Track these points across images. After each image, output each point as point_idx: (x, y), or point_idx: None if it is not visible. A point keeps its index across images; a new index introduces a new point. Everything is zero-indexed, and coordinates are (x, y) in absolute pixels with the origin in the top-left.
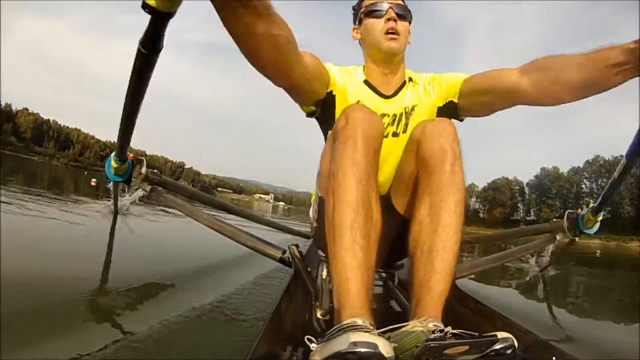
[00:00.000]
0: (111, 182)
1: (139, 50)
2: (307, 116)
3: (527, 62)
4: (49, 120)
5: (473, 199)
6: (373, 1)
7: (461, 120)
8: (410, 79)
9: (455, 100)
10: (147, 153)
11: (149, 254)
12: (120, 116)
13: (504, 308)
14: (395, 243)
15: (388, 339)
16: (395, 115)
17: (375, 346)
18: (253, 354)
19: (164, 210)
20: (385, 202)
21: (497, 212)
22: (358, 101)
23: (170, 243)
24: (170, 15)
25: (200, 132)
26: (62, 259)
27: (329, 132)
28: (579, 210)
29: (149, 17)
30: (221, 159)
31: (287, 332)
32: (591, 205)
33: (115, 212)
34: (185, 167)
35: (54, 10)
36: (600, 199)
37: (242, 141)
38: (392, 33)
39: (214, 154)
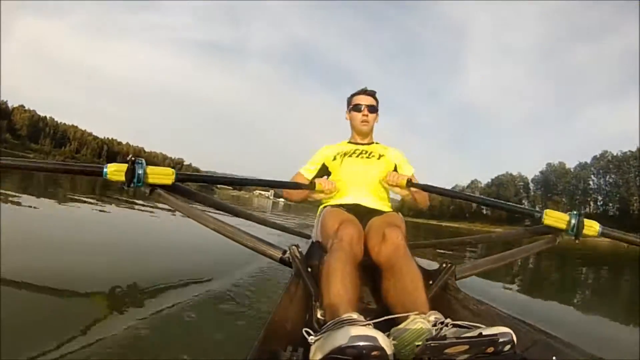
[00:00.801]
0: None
1: None
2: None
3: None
4: (45, 117)
5: (476, 195)
6: (356, 102)
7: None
8: (377, 142)
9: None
10: (146, 150)
11: (149, 254)
12: (117, 113)
13: (504, 307)
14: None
15: (388, 335)
16: (366, 151)
17: (375, 339)
18: (253, 354)
19: (163, 210)
20: (370, 205)
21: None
22: (341, 151)
23: (170, 244)
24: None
25: (201, 129)
26: (61, 258)
27: (329, 177)
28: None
29: (165, 7)
30: (222, 155)
31: (287, 332)
32: (598, 225)
33: None
34: (185, 163)
35: (54, 10)
36: (615, 233)
37: (242, 138)
38: (364, 122)
39: (215, 151)
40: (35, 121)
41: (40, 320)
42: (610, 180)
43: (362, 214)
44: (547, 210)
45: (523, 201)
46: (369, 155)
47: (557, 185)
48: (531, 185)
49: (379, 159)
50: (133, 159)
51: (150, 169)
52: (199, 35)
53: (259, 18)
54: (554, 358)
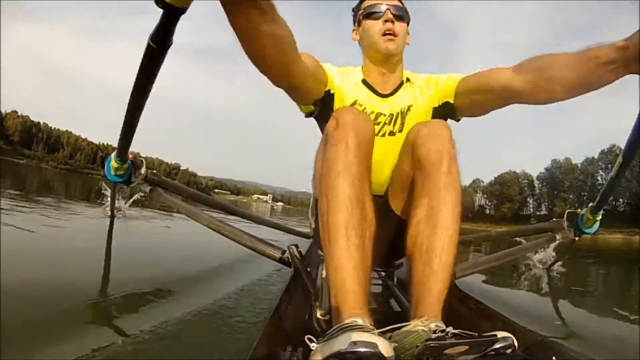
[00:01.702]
0: (110, 185)
1: (148, 45)
2: (305, 116)
3: (520, 62)
4: (38, 122)
5: (479, 195)
6: (371, 3)
7: (458, 121)
8: (408, 79)
9: (451, 101)
10: (142, 155)
11: (148, 255)
12: (115, 118)
13: (504, 308)
14: (393, 242)
15: (389, 338)
16: (392, 114)
17: (375, 345)
18: (253, 354)
19: (161, 211)
20: (383, 201)
21: (506, 208)
22: (355, 100)
23: (169, 244)
24: (182, 11)
25: (199, 135)
26: (61, 263)
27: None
28: (579, 210)
29: (159, 12)
30: (220, 161)
31: (287, 332)
32: (590, 204)
33: (112, 215)
34: (181, 168)
35: (48, 16)
36: (598, 198)
37: (239, 143)
38: (390, 34)
39: (213, 156)
40: (29, 127)
41: (41, 320)
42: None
43: (383, 211)
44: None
45: (528, 199)
46: (396, 122)
47: (563, 182)
48: (536, 183)
49: (412, 113)
50: (132, 158)
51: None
52: (196, 39)
53: None
54: (553, 358)
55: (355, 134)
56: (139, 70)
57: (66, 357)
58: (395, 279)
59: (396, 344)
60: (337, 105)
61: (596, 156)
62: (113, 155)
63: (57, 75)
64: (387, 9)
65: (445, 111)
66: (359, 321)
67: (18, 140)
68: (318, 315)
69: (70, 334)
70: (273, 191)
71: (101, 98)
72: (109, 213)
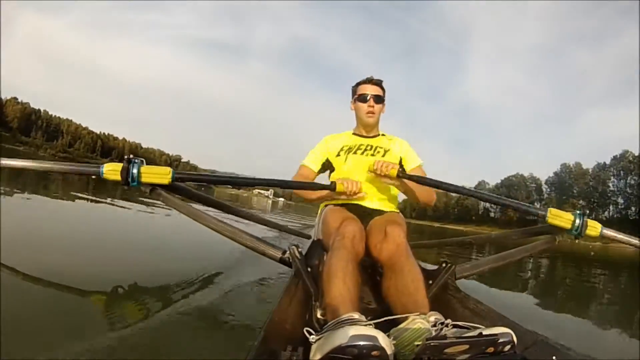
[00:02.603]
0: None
1: None
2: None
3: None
4: (39, 110)
5: (481, 191)
6: (362, 92)
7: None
8: (383, 134)
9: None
10: (143, 146)
11: (149, 255)
12: (117, 109)
13: (504, 308)
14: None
15: (388, 335)
16: (370, 146)
17: (375, 339)
18: (253, 353)
19: (161, 207)
20: (372, 205)
21: (512, 212)
22: (345, 145)
23: (170, 244)
24: None
25: (201, 127)
26: (59, 258)
27: (331, 173)
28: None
29: (167, 7)
30: (223, 154)
31: (287, 332)
32: (600, 225)
33: None
34: (182, 160)
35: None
36: (615, 234)
37: (243, 136)
38: (370, 113)
39: (216, 150)
40: (28, 114)
41: (41, 320)
42: (632, 182)
43: (364, 214)
44: (551, 209)
45: (535, 204)
46: (374, 151)
47: (573, 187)
48: (544, 187)
49: (384, 155)
50: (130, 158)
51: (147, 169)
52: (202, 33)
53: (261, 17)
54: (553, 358)
55: (353, 241)
56: None
57: (66, 358)
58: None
59: (395, 340)
60: (332, 156)
61: (608, 162)
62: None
63: (62, 66)
64: (371, 96)
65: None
66: (356, 316)
67: (17, 127)
68: (318, 315)
69: (70, 332)
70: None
71: (105, 88)
72: None
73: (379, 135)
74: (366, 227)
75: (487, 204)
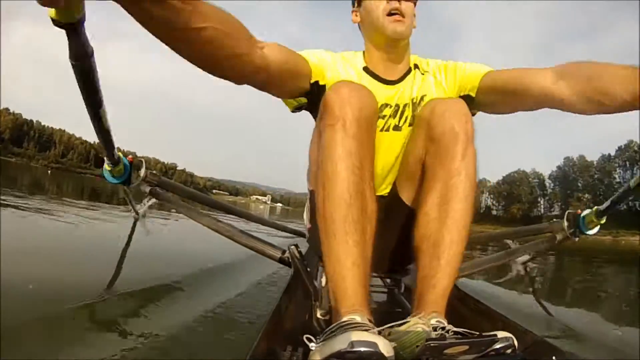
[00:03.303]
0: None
1: (72, 64)
2: (292, 111)
3: (560, 65)
4: (31, 120)
5: (485, 195)
6: None
7: (473, 115)
8: (417, 66)
9: (473, 95)
10: (138, 155)
11: (148, 256)
12: (112, 117)
13: (504, 308)
14: (400, 246)
15: (388, 335)
16: (398, 105)
17: (375, 345)
18: (253, 354)
19: (162, 211)
20: (388, 201)
21: (515, 209)
22: None
23: (169, 244)
24: (79, 23)
25: (197, 135)
26: (65, 262)
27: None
28: (579, 210)
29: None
30: (220, 161)
31: (287, 332)
32: (595, 208)
33: (136, 217)
34: (178, 168)
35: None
36: (608, 203)
37: (239, 144)
38: (397, 14)
39: (212, 157)
40: (20, 124)
41: (41, 320)
42: (639, 172)
43: (385, 208)
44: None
45: (539, 200)
46: (402, 114)
47: (577, 180)
48: (548, 182)
49: (419, 121)
50: (131, 159)
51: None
52: None
53: (255, 16)
54: (553, 358)
55: (355, 112)
56: (80, 87)
57: (67, 358)
58: (403, 287)
59: (395, 343)
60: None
61: (613, 153)
62: (105, 158)
63: (57, 75)
64: None
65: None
66: (358, 319)
67: (9, 138)
68: (318, 315)
69: (72, 334)
70: (273, 192)
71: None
72: (134, 214)
73: (410, 70)
74: (381, 228)
75: (489, 201)
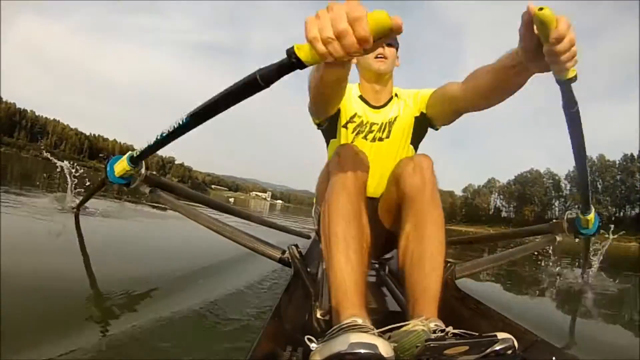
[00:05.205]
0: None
1: (255, 78)
2: (317, 128)
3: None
4: (24, 110)
5: (494, 195)
6: None
7: (436, 129)
8: (397, 95)
9: (425, 111)
10: (135, 147)
11: (148, 255)
12: (109, 112)
13: (504, 308)
14: (387, 236)
15: (388, 338)
16: (382, 123)
17: (374, 347)
18: (253, 354)
19: (159, 208)
20: (376, 204)
21: (528, 210)
22: (355, 113)
23: (170, 244)
24: (305, 66)
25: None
26: (55, 258)
27: (331, 140)
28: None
29: (160, 10)
30: (221, 158)
31: (287, 332)
32: (597, 226)
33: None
34: (176, 162)
35: (53, 12)
36: (581, 197)
37: (240, 140)
38: (381, 57)
39: (214, 153)
40: (12, 114)
41: (41, 320)
42: None
43: (373, 207)
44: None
45: (554, 201)
46: (384, 130)
47: (597, 181)
48: (564, 183)
49: (400, 133)
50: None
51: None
52: (198, 36)
53: (257, 18)
54: (553, 358)
55: (353, 167)
56: (229, 93)
57: (67, 358)
58: (387, 269)
59: (395, 344)
60: (342, 119)
61: (636, 153)
62: (126, 157)
63: (58, 71)
64: None
65: (423, 120)
66: (359, 321)
67: (0, 128)
68: (318, 315)
69: (68, 331)
70: (273, 189)
71: (98, 93)
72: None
73: (392, 98)
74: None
75: (498, 202)
